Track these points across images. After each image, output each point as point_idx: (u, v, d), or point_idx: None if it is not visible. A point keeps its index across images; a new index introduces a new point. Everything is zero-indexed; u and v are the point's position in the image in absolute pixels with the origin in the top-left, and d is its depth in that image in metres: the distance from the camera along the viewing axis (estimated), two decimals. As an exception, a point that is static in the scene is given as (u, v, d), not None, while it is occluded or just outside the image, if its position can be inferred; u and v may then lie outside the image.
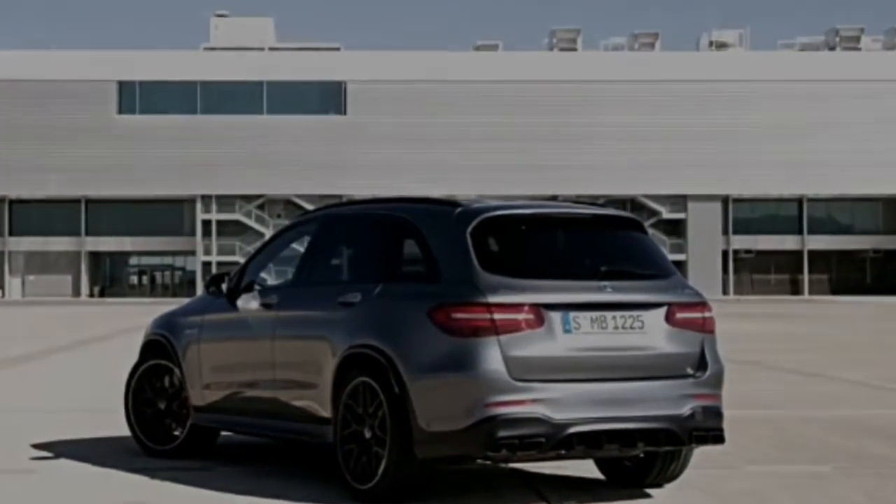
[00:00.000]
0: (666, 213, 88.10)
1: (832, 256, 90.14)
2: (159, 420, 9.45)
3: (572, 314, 7.06)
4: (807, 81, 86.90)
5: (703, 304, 7.52)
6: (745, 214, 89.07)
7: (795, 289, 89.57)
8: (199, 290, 77.46)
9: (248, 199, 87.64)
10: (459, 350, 6.88)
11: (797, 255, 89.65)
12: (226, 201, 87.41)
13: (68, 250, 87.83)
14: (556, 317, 7.02)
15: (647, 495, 7.69)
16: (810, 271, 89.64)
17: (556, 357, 6.99)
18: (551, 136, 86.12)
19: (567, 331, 7.03)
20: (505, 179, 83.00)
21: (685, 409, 7.19)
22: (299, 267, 8.45)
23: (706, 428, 7.29)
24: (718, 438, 7.38)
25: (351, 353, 7.45)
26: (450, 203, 7.55)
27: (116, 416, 10.49)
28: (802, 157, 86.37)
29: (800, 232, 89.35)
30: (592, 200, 10.10)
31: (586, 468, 8.38)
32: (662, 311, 7.32)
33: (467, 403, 6.83)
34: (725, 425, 7.47)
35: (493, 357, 6.85)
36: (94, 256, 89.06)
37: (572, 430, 6.88)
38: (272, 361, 8.27)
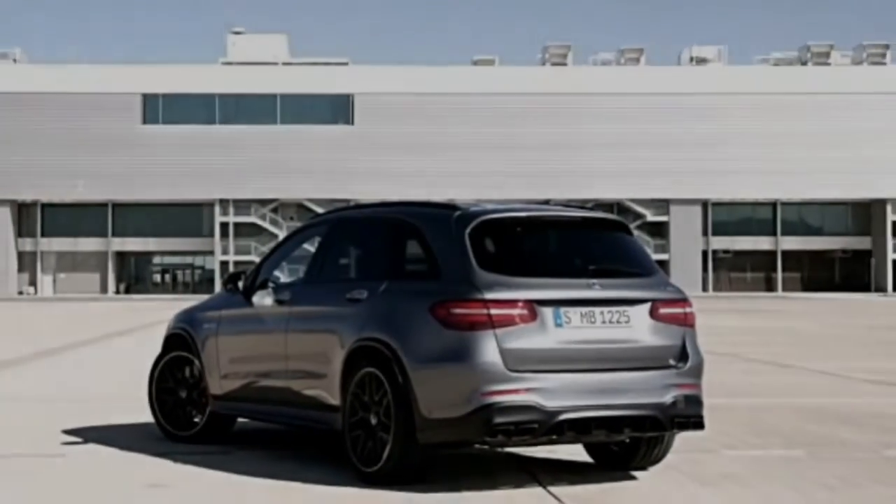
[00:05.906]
0: (650, 216, 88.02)
1: (804, 256, 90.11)
2: (181, 408, 9.45)
3: (563, 309, 7.07)
4: (780, 94, 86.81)
5: (684, 301, 7.53)
6: (723, 217, 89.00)
7: (770, 286, 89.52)
8: (218, 287, 77.41)
9: (262, 202, 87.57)
10: (458, 343, 6.89)
11: (771, 254, 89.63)
12: (242, 205, 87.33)
13: (96, 250, 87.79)
14: (548, 312, 7.02)
15: (633, 477, 7.69)
16: (783, 270, 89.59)
17: (548, 349, 6.99)
18: (544, 144, 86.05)
19: (558, 325, 7.04)
20: (501, 185, 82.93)
21: (668, 398, 7.20)
22: (310, 266, 8.45)
23: (687, 415, 7.29)
24: (699, 425, 7.38)
25: (358, 346, 7.45)
26: (449, 207, 7.55)
27: (141, 404, 10.49)
28: (776, 165, 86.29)
29: (774, 233, 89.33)
30: (582, 204, 10.13)
31: (576, 452, 8.38)
32: (647, 306, 7.32)
33: (466, 392, 6.83)
34: (705, 413, 7.46)
35: (489, 349, 6.86)
36: (120, 256, 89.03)
37: (563, 417, 6.89)
38: (285, 353, 8.26)
